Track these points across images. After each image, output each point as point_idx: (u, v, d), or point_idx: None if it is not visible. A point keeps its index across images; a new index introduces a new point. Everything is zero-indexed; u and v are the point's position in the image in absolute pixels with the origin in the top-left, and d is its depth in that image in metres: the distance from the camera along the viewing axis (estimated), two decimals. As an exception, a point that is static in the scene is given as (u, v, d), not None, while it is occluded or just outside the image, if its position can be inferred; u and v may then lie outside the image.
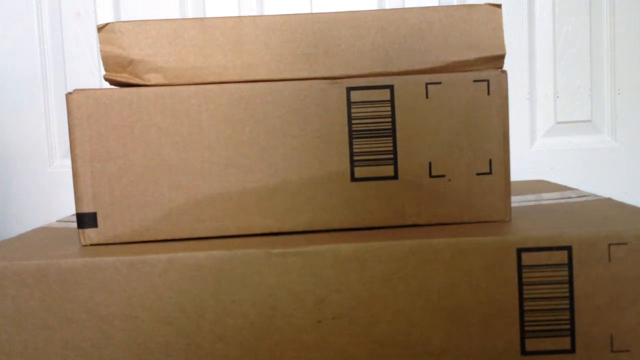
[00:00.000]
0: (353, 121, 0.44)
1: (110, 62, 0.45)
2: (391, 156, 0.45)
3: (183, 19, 0.45)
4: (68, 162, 0.99)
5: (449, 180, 0.45)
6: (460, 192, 0.45)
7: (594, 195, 0.55)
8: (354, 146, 0.44)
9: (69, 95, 0.44)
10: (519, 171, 0.93)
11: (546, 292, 0.39)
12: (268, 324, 0.40)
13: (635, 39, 0.97)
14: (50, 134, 1.01)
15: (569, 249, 0.39)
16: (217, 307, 0.40)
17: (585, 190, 0.59)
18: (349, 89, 0.44)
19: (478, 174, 0.45)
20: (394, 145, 0.44)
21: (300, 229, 0.45)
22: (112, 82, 0.46)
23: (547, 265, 0.39)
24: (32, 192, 1.02)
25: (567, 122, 0.98)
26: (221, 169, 0.44)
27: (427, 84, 0.44)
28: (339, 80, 0.44)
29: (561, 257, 0.39)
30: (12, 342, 0.40)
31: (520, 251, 0.39)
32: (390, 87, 0.44)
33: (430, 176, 0.45)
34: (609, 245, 0.39)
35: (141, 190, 0.44)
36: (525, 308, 0.39)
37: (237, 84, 0.44)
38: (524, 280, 0.39)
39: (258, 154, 0.44)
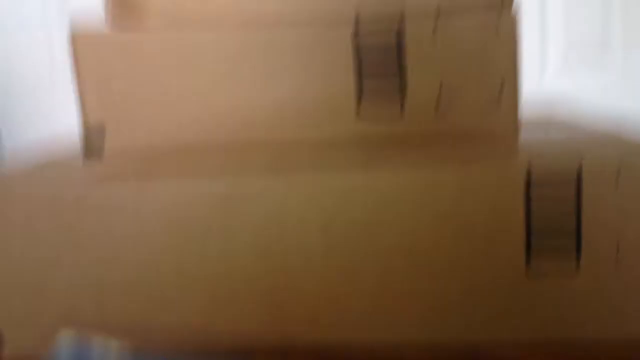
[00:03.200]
0: (361, 55, 0.44)
1: (111, 5, 0.45)
2: (398, 93, 0.44)
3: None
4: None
5: (457, 113, 0.44)
6: (469, 125, 0.44)
7: (604, 117, 0.54)
8: (364, 83, 0.44)
9: (72, 38, 0.44)
10: (527, 108, 0.93)
11: (553, 209, 0.39)
12: (274, 247, 0.40)
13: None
14: (53, 68, 1.01)
15: (578, 168, 0.39)
16: (225, 230, 0.40)
17: (596, 113, 0.58)
18: (355, 33, 0.44)
19: (488, 101, 0.44)
20: (401, 80, 0.44)
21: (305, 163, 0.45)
22: (114, 26, 0.45)
23: (555, 182, 0.39)
24: (36, 119, 1.02)
25: (578, 61, 0.96)
26: (222, 113, 0.44)
27: (436, 20, 0.44)
28: (344, 24, 0.44)
29: (570, 176, 0.39)
30: (24, 262, 0.41)
31: (529, 168, 0.39)
32: (399, 23, 0.44)
33: (437, 110, 0.44)
34: (619, 163, 0.38)
35: (148, 129, 0.44)
36: (532, 227, 0.39)
37: (238, 31, 0.44)
38: (532, 197, 0.39)
39: (262, 93, 0.44)
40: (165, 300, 0.41)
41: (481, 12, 0.44)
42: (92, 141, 0.45)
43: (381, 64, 0.44)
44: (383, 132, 0.44)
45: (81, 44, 0.44)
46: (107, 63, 0.44)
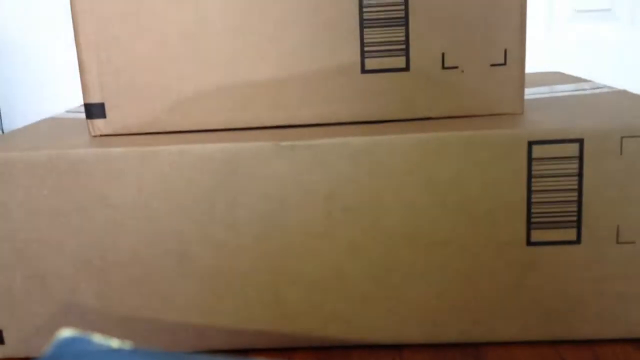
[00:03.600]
0: (364, 9, 0.43)
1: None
2: (403, 47, 0.43)
3: None
4: (73, 50, 0.98)
5: (462, 71, 0.44)
6: (473, 84, 0.44)
7: (609, 87, 0.54)
8: (365, 36, 0.43)
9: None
10: (533, 62, 0.91)
11: (555, 185, 0.40)
12: (278, 215, 0.41)
13: None
14: (54, 20, 0.99)
15: (580, 141, 0.39)
16: (228, 198, 0.41)
17: (602, 82, 0.58)
18: (360, -25, 0.42)
19: (492, 65, 0.44)
20: (406, 35, 0.43)
21: (309, 121, 0.44)
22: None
23: (557, 157, 0.39)
24: (39, 79, 1.01)
25: (586, 11, 0.94)
26: (229, 59, 0.43)
27: (442, -31, 0.42)
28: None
29: (572, 149, 0.39)
30: (27, 230, 0.41)
31: (530, 144, 0.39)
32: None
33: (443, 67, 0.44)
34: (622, 138, 0.39)
35: (148, 80, 0.44)
36: (533, 200, 0.40)
37: (244, -31, 0.43)
38: (533, 172, 0.39)
39: (267, 45, 0.43)
40: (167, 286, 0.41)
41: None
42: (93, 109, 0.44)
43: (386, 17, 0.43)
44: (388, 88, 0.44)
45: (80, -12, 0.42)
46: (107, 11, 0.43)
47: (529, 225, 0.40)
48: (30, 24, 0.99)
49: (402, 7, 0.43)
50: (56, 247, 0.42)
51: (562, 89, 0.55)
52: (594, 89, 0.54)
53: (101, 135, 0.45)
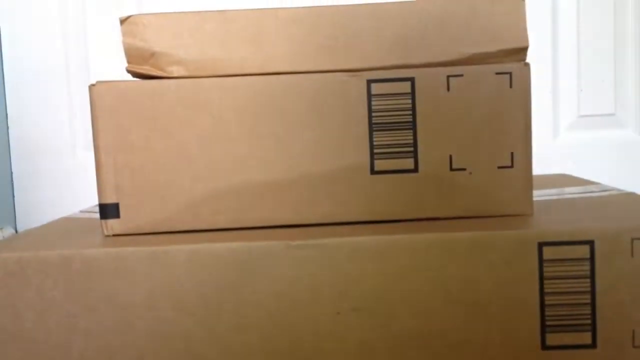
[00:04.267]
0: (373, 114, 0.44)
1: (133, 55, 0.46)
2: (411, 149, 0.44)
3: (204, 11, 0.46)
4: (91, 153, 1.01)
5: (470, 173, 0.44)
6: (482, 186, 0.44)
7: (617, 189, 0.54)
8: (374, 139, 0.44)
9: (92, 86, 0.44)
10: (541, 165, 0.92)
11: (567, 287, 0.39)
12: (287, 316, 0.40)
13: (662, 32, 0.95)
14: (73, 125, 1.03)
15: (591, 243, 0.39)
16: (237, 298, 0.40)
17: (608, 184, 0.58)
18: (369, 82, 0.44)
19: (500, 167, 0.44)
20: (415, 138, 0.44)
21: (319, 220, 0.45)
22: (135, 74, 0.46)
23: (568, 259, 0.39)
24: (56, 183, 1.03)
25: (591, 116, 0.96)
26: (241, 160, 0.44)
27: (448, 76, 0.44)
28: (359, 73, 0.44)
29: (583, 251, 0.39)
30: (36, 330, 0.41)
31: (541, 245, 0.39)
32: (411, 80, 0.44)
33: (451, 169, 0.44)
34: (632, 239, 0.39)
35: (163, 181, 0.45)
36: (546, 302, 0.39)
37: (257, 77, 0.45)
38: (545, 274, 0.39)
39: (278, 146, 0.44)
40: None
41: (494, 67, 0.44)
42: (108, 210, 0.45)
43: (394, 119, 0.44)
44: (398, 189, 0.44)
45: (100, 94, 0.44)
46: (126, 115, 0.44)
47: (544, 329, 0.39)
48: (47, 125, 1.02)
49: (410, 112, 0.44)
50: (64, 349, 0.41)
51: (571, 191, 0.55)
52: (602, 191, 0.54)
53: (114, 235, 0.45)
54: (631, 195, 0.51)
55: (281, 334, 0.40)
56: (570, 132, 0.97)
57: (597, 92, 0.96)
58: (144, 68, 0.45)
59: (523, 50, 0.45)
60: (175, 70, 0.45)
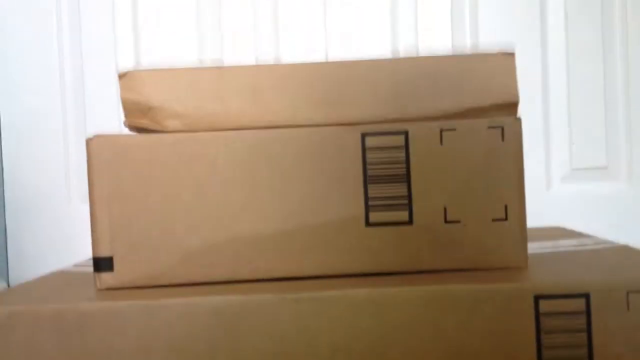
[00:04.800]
0: (368, 166, 0.45)
1: (130, 108, 0.46)
2: (406, 202, 0.45)
3: (202, 67, 0.47)
4: (86, 206, 1.00)
5: (465, 225, 0.44)
6: (476, 238, 0.45)
7: (611, 242, 0.54)
8: (369, 191, 0.45)
9: (89, 140, 0.45)
10: (535, 217, 0.93)
11: (564, 341, 0.39)
12: (284, 355, 0.40)
13: (650, 86, 0.97)
14: (69, 178, 1.03)
15: (586, 296, 0.39)
16: (232, 352, 0.40)
17: (602, 237, 0.59)
18: (363, 135, 0.45)
19: (494, 220, 0.45)
20: (409, 191, 0.45)
21: (314, 273, 0.45)
22: (132, 128, 0.47)
23: (564, 312, 0.39)
24: (50, 235, 1.03)
25: (583, 169, 0.97)
26: (237, 212, 0.45)
27: (441, 130, 0.45)
28: (354, 126, 0.45)
29: (579, 304, 0.39)
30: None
31: (537, 298, 0.39)
32: (405, 133, 0.45)
33: (446, 222, 0.45)
34: (628, 292, 0.39)
35: (158, 234, 0.45)
36: (544, 357, 0.39)
37: (253, 130, 0.45)
38: (542, 327, 0.39)
39: (273, 198, 0.45)
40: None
41: (486, 122, 0.45)
42: (102, 263, 0.45)
43: (388, 171, 0.45)
44: (392, 241, 0.44)
45: (98, 147, 0.45)
46: (123, 168, 0.45)
47: (541, 384, 0.39)
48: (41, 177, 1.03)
49: (404, 165, 0.45)
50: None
51: (565, 244, 0.55)
52: (596, 244, 0.54)
53: (107, 289, 0.45)
54: (625, 248, 0.51)
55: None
56: (563, 184, 0.98)
57: (588, 145, 0.97)
58: (142, 122, 0.46)
59: (514, 104, 0.46)
60: (172, 125, 0.46)
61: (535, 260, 0.47)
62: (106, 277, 0.45)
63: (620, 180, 0.98)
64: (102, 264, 0.45)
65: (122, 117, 0.47)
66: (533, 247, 0.54)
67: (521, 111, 0.46)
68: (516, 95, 0.46)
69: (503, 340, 0.39)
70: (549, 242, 0.57)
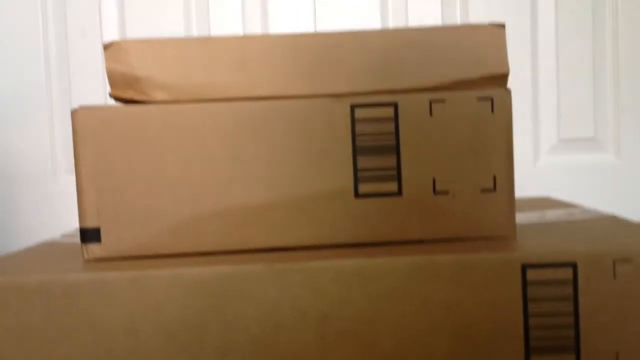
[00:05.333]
0: (357, 138, 0.44)
1: (116, 80, 0.46)
2: (395, 173, 0.45)
3: (188, 37, 0.46)
4: (72, 177, 1.00)
5: (453, 196, 0.45)
6: (465, 209, 0.45)
7: (598, 212, 0.55)
8: (358, 163, 0.45)
9: (74, 111, 0.44)
10: (523, 188, 0.93)
11: (551, 309, 0.39)
12: (271, 340, 0.40)
13: (639, 57, 0.97)
14: (54, 149, 1.02)
15: (573, 265, 0.39)
16: (220, 323, 0.40)
17: (589, 207, 0.59)
18: (353, 106, 0.44)
19: (482, 191, 0.45)
20: (398, 162, 0.45)
21: (303, 244, 0.45)
22: (118, 99, 0.46)
23: (552, 281, 0.39)
24: (36, 207, 1.02)
25: (571, 140, 0.98)
26: (224, 184, 0.44)
27: (431, 101, 0.44)
28: (343, 98, 0.45)
29: (566, 273, 0.39)
30: (14, 356, 0.40)
31: (525, 267, 0.39)
32: (395, 105, 0.44)
33: (435, 193, 0.45)
34: (614, 261, 0.39)
35: (145, 205, 0.44)
36: (530, 324, 0.39)
37: (241, 101, 0.45)
38: (528, 296, 0.39)
39: (261, 170, 0.44)
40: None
41: (476, 93, 0.45)
42: (89, 234, 0.45)
43: (378, 143, 0.44)
44: (381, 212, 0.44)
45: (83, 119, 0.44)
46: (109, 140, 0.44)
47: (528, 351, 0.39)
48: (28, 150, 1.02)
49: (394, 136, 0.45)
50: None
51: (553, 214, 0.56)
52: (583, 214, 0.54)
53: (95, 259, 0.45)
54: (612, 217, 0.52)
55: (265, 359, 0.40)
56: (551, 155, 0.98)
57: (576, 116, 0.98)
58: (128, 93, 0.45)
59: (504, 76, 0.46)
60: (159, 95, 0.45)
61: (523, 230, 0.48)
62: (93, 248, 0.45)
63: (607, 152, 0.98)
64: (89, 234, 0.45)
65: (108, 88, 0.46)
66: (521, 217, 0.54)
67: (510, 82, 0.46)
68: (506, 67, 0.46)
69: (490, 309, 0.39)
70: (537, 212, 0.57)
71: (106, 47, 0.46)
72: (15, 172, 1.02)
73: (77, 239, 0.55)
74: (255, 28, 0.98)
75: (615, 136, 0.98)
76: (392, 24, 0.98)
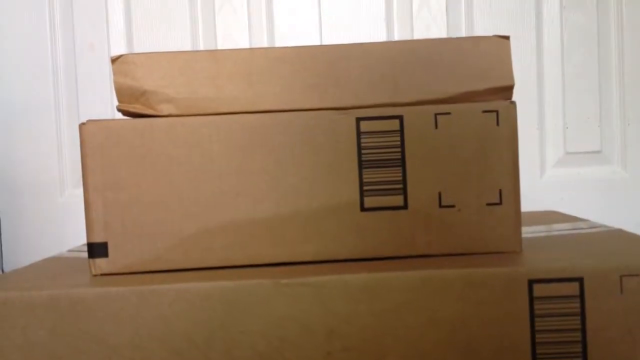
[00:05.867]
0: (363, 151, 0.44)
1: (124, 93, 0.46)
2: (401, 186, 0.45)
3: (195, 51, 0.46)
4: (80, 191, 1.00)
5: (459, 210, 0.44)
6: (471, 223, 0.45)
7: (605, 226, 0.55)
8: (364, 176, 0.45)
9: (82, 125, 0.44)
10: (529, 202, 0.93)
11: (558, 325, 0.39)
12: (277, 355, 0.40)
13: (644, 70, 0.97)
14: (62, 163, 1.02)
15: (580, 280, 0.39)
16: (226, 338, 0.40)
17: (596, 221, 0.59)
18: (358, 119, 0.44)
19: (488, 204, 0.45)
20: (404, 176, 0.45)
21: (309, 258, 0.45)
22: (125, 113, 0.47)
23: (558, 297, 0.39)
24: (43, 221, 1.02)
25: (577, 153, 0.97)
26: (231, 198, 0.44)
27: (436, 114, 0.44)
28: (348, 111, 0.45)
29: (573, 288, 0.39)
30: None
31: (531, 282, 0.39)
32: (400, 118, 0.44)
33: (440, 206, 0.45)
34: (621, 277, 0.39)
35: (152, 219, 0.44)
36: (537, 340, 0.39)
37: (247, 114, 0.45)
38: (535, 312, 0.39)
39: (268, 184, 0.44)
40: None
41: (481, 106, 0.45)
42: (96, 249, 0.45)
43: (383, 156, 0.44)
44: (387, 226, 0.44)
45: (90, 132, 0.44)
46: (116, 153, 0.44)
47: (535, 366, 0.39)
48: (36, 162, 1.02)
49: (399, 149, 0.45)
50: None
51: (559, 228, 0.55)
52: (590, 228, 0.54)
53: (102, 274, 0.45)
54: (618, 231, 0.51)
55: (271, 374, 0.40)
56: (557, 169, 0.98)
57: (582, 129, 0.97)
58: (135, 107, 0.46)
59: (509, 88, 0.46)
60: (166, 109, 0.45)
61: (529, 244, 0.47)
62: (100, 263, 0.45)
63: (614, 164, 0.98)
64: (96, 249, 0.45)
65: (115, 102, 0.47)
66: (527, 231, 0.54)
67: (515, 95, 0.46)
68: (511, 79, 0.46)
69: (497, 324, 0.39)
70: (543, 226, 0.57)
71: (114, 60, 0.46)
72: (22, 185, 1.02)
73: (84, 254, 0.55)
74: (261, 41, 0.99)
75: (622, 149, 0.97)
76: (397, 36, 0.98)
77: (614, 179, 0.97)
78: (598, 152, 0.98)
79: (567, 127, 0.97)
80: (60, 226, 1.02)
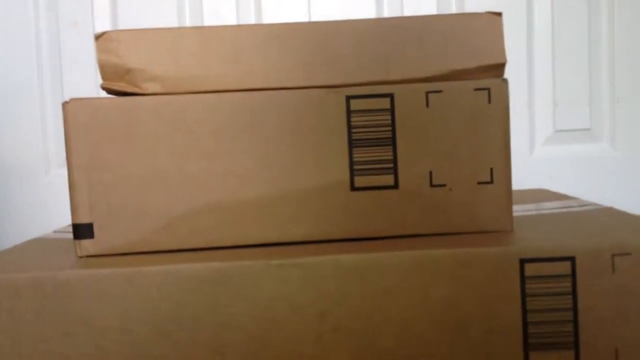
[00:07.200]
0: (353, 130, 0.44)
1: (108, 71, 0.45)
2: (391, 165, 0.44)
3: (181, 27, 0.45)
4: (64, 171, 0.99)
5: (450, 189, 0.44)
6: (462, 202, 0.44)
7: (595, 204, 0.54)
8: (354, 155, 0.44)
9: (65, 104, 0.43)
10: (518, 180, 0.93)
11: (550, 304, 0.39)
12: (267, 337, 0.39)
13: (634, 48, 0.96)
14: (46, 143, 1.01)
15: (572, 259, 0.39)
16: (215, 320, 0.39)
17: (586, 199, 0.59)
18: (348, 98, 0.44)
19: (479, 183, 0.44)
20: (394, 154, 0.44)
21: (299, 239, 0.44)
22: (109, 91, 0.45)
23: (550, 276, 0.39)
24: (28, 201, 1.01)
25: (567, 131, 0.97)
26: (219, 178, 0.44)
27: (427, 92, 0.44)
28: (338, 89, 0.44)
29: (564, 267, 0.39)
30: (7, 355, 0.40)
31: (523, 262, 0.39)
32: (390, 96, 0.44)
33: (431, 185, 0.44)
34: (613, 255, 0.39)
35: (138, 200, 0.44)
36: (529, 320, 0.39)
37: (235, 93, 0.44)
38: (527, 291, 0.39)
39: (257, 163, 0.44)
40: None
41: (473, 83, 0.44)
42: (81, 230, 0.44)
43: (373, 135, 0.44)
44: (378, 205, 0.44)
45: (74, 111, 0.43)
46: (101, 133, 0.43)
47: (527, 347, 0.39)
48: (20, 144, 1.01)
49: (390, 128, 0.44)
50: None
51: (550, 206, 0.55)
52: (580, 206, 0.54)
53: (88, 256, 0.44)
54: (609, 210, 0.51)
55: (261, 357, 0.39)
56: (547, 146, 0.98)
57: (572, 107, 0.97)
58: (119, 85, 0.45)
59: (501, 66, 0.45)
60: (151, 87, 0.44)
61: (520, 223, 0.47)
62: (86, 244, 0.44)
63: (603, 142, 0.98)
64: (81, 230, 0.44)
65: (100, 80, 0.46)
66: (517, 209, 0.54)
67: (506, 73, 0.46)
68: (503, 57, 0.45)
69: (488, 303, 0.39)
70: (533, 204, 0.57)
71: (97, 37, 0.45)
72: (6, 165, 1.01)
73: (70, 235, 0.54)
74: (249, 17, 0.97)
75: (611, 127, 0.97)
76: (387, 14, 0.97)
77: (603, 157, 0.97)
78: (587, 129, 0.98)
79: (557, 105, 0.97)
80: (45, 206, 1.01)
